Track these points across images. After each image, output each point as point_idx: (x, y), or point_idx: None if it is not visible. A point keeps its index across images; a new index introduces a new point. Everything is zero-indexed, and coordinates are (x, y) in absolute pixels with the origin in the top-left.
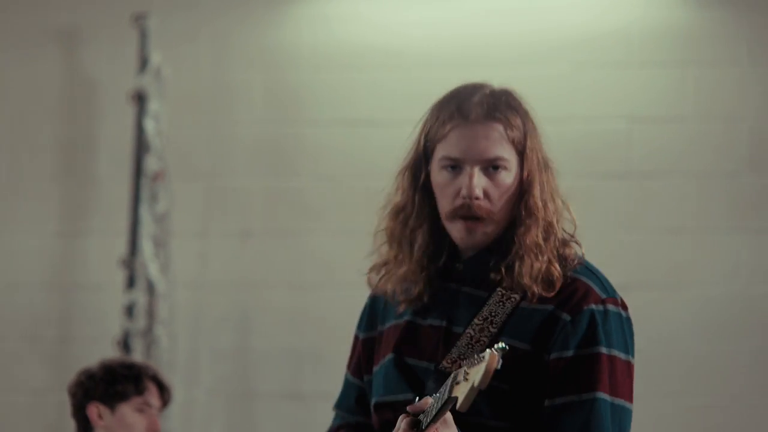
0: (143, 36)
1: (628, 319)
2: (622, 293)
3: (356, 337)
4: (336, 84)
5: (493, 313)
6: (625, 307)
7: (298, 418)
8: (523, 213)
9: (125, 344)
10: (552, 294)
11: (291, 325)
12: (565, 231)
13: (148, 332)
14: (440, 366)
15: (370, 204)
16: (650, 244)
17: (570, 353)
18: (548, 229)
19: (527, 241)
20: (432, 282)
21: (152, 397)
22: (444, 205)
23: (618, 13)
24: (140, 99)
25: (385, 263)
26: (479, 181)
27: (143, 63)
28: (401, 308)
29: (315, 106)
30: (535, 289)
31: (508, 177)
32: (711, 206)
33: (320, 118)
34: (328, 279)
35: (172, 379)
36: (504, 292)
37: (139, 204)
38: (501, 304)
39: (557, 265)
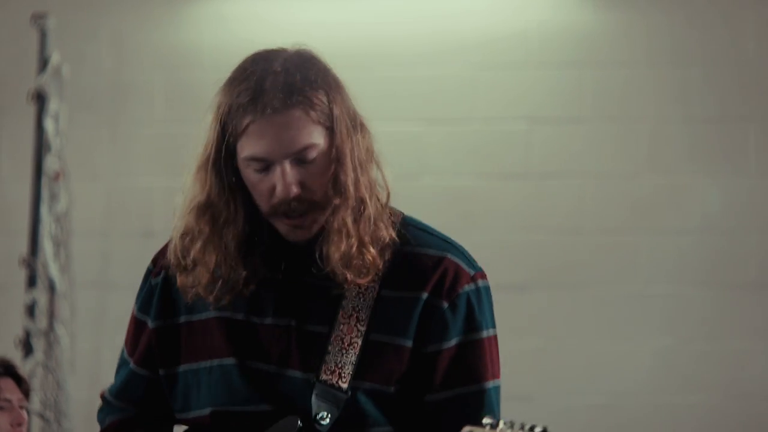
0: (43, 36)
1: (489, 287)
2: (522, 293)
3: (141, 323)
4: None
5: (356, 307)
6: (485, 276)
7: None
8: (331, 192)
9: (26, 343)
10: (371, 276)
11: None
12: (379, 202)
13: (50, 331)
14: (321, 378)
15: None
16: (550, 244)
17: (452, 343)
18: (360, 207)
19: (335, 224)
20: (257, 273)
21: (7, 392)
22: (261, 204)
23: (517, 16)
24: (40, 99)
25: (192, 254)
26: (293, 176)
27: (43, 63)
28: (225, 300)
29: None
30: (348, 276)
31: (322, 160)
32: (610, 207)
33: None
34: None
35: (74, 378)
36: (361, 281)
37: (39, 203)
38: (361, 295)
39: (372, 248)
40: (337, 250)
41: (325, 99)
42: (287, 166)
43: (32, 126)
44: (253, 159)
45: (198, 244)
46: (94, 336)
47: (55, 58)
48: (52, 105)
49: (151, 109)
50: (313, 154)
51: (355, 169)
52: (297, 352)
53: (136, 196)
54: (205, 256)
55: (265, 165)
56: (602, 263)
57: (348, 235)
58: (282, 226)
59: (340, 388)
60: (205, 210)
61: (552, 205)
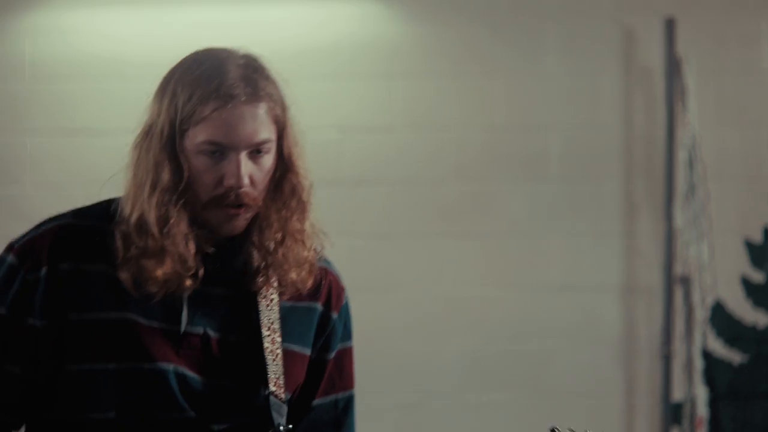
0: None
1: None
2: None
3: (9, 320)
4: (55, 94)
5: (269, 319)
6: None
7: None
8: (286, 195)
9: None
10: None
11: None
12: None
13: None
14: (271, 392)
15: None
16: (361, 248)
17: (335, 352)
18: (308, 211)
19: (291, 229)
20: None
21: None
22: (202, 192)
23: (326, 29)
24: None
25: (137, 246)
26: (246, 168)
27: None
28: (188, 291)
29: (34, 116)
30: (309, 284)
31: (269, 159)
32: (418, 212)
33: (40, 127)
34: None
35: None
36: (265, 292)
37: None
38: (269, 306)
39: (313, 254)
40: (297, 262)
41: (281, 100)
42: (243, 156)
43: None
44: (212, 143)
45: (170, 230)
46: None
47: None
48: None
49: None
50: (268, 150)
51: (304, 174)
52: (223, 364)
53: None
54: (176, 242)
55: (220, 153)
56: (411, 266)
57: (305, 241)
58: (217, 217)
59: (282, 399)
60: (172, 194)
61: (363, 210)
